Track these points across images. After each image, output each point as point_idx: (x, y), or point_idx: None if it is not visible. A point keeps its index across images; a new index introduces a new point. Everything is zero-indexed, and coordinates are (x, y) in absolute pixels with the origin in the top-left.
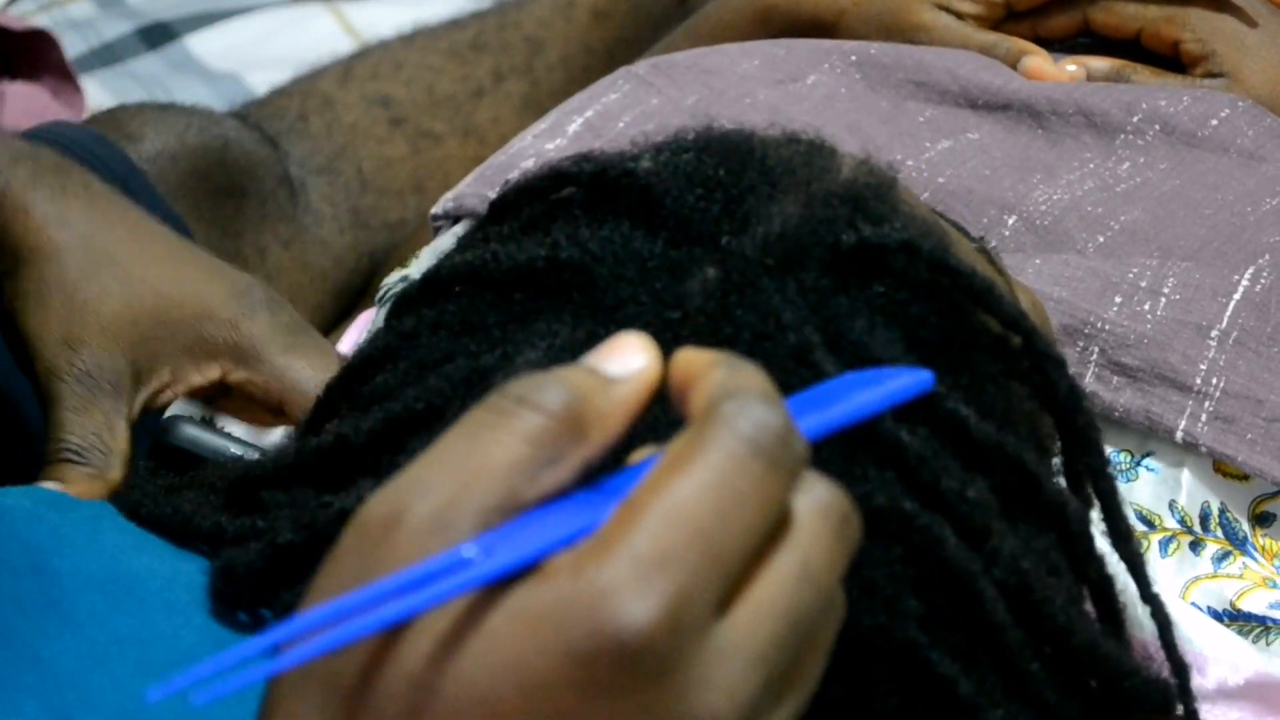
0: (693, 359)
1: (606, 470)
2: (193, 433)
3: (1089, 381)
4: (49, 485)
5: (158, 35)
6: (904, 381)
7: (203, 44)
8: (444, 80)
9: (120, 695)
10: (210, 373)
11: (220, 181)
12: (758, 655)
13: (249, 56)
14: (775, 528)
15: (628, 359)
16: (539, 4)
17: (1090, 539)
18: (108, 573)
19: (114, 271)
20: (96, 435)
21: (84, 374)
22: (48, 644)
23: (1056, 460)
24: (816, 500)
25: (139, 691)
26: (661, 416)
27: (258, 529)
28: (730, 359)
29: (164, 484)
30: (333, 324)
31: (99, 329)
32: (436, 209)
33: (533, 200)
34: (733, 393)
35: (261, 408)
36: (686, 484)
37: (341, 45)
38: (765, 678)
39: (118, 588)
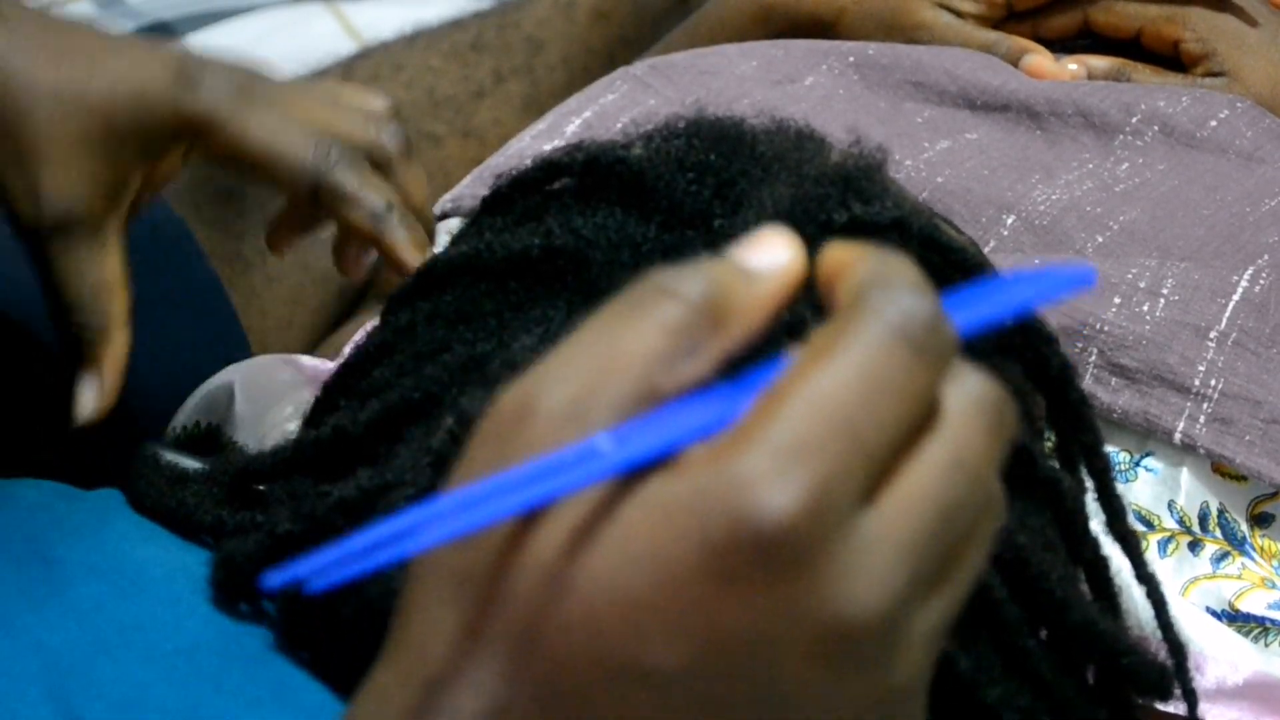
0: (841, 251)
1: (746, 367)
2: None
3: (1087, 383)
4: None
5: (158, 35)
6: (1062, 276)
7: (203, 44)
8: (444, 81)
9: (124, 684)
10: (174, 161)
11: (222, 184)
12: (906, 546)
13: (249, 56)
14: (924, 419)
15: (772, 253)
16: (539, 4)
17: (1085, 517)
18: (112, 563)
19: (51, 97)
20: (92, 293)
21: (59, 225)
22: (52, 632)
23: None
24: (968, 391)
25: (142, 680)
26: (803, 320)
27: (257, 522)
28: (879, 251)
29: (168, 476)
30: (335, 324)
31: (55, 164)
32: (436, 210)
33: (526, 192)
34: (880, 282)
35: (247, 177)
36: (830, 373)
37: (341, 45)
38: (913, 570)
39: (122, 578)
